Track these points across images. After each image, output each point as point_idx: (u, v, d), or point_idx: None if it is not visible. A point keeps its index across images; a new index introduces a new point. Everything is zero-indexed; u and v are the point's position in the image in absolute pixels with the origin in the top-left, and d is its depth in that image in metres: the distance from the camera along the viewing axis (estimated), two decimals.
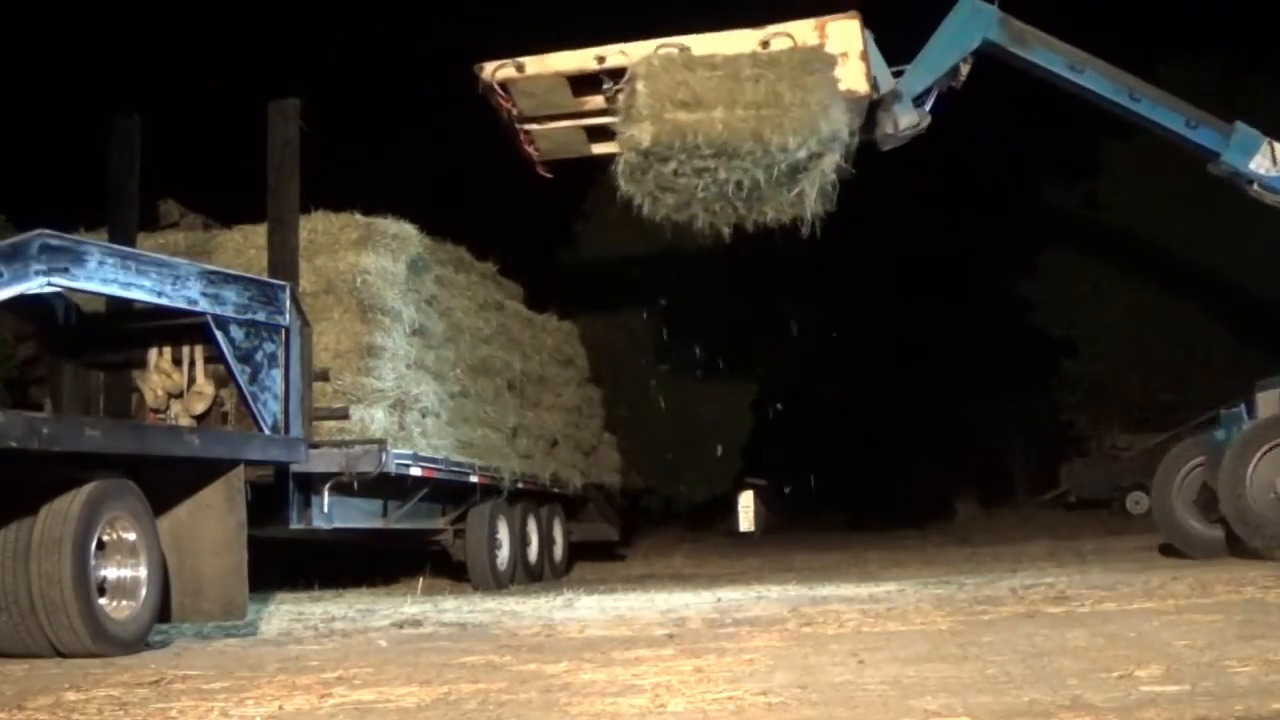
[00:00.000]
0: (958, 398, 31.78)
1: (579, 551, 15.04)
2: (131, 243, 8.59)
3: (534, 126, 9.57)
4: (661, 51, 8.71)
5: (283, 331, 7.68)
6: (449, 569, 12.53)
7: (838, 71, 8.76)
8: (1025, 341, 28.68)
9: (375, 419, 9.76)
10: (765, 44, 8.69)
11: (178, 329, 7.85)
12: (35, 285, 5.96)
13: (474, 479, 11.30)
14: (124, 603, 6.17)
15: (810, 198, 8.55)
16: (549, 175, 9.90)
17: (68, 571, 5.74)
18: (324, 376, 9.28)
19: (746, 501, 29.67)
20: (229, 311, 7.27)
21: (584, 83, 9.20)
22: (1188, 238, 23.66)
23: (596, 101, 9.29)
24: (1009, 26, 10.41)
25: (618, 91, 8.81)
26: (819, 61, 8.53)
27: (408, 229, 10.46)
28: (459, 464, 11.00)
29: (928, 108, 9.87)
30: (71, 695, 4.49)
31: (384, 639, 6.74)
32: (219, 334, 7.21)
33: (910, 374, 33.53)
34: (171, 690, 4.62)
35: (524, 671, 4.87)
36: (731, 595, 9.32)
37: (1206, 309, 24.03)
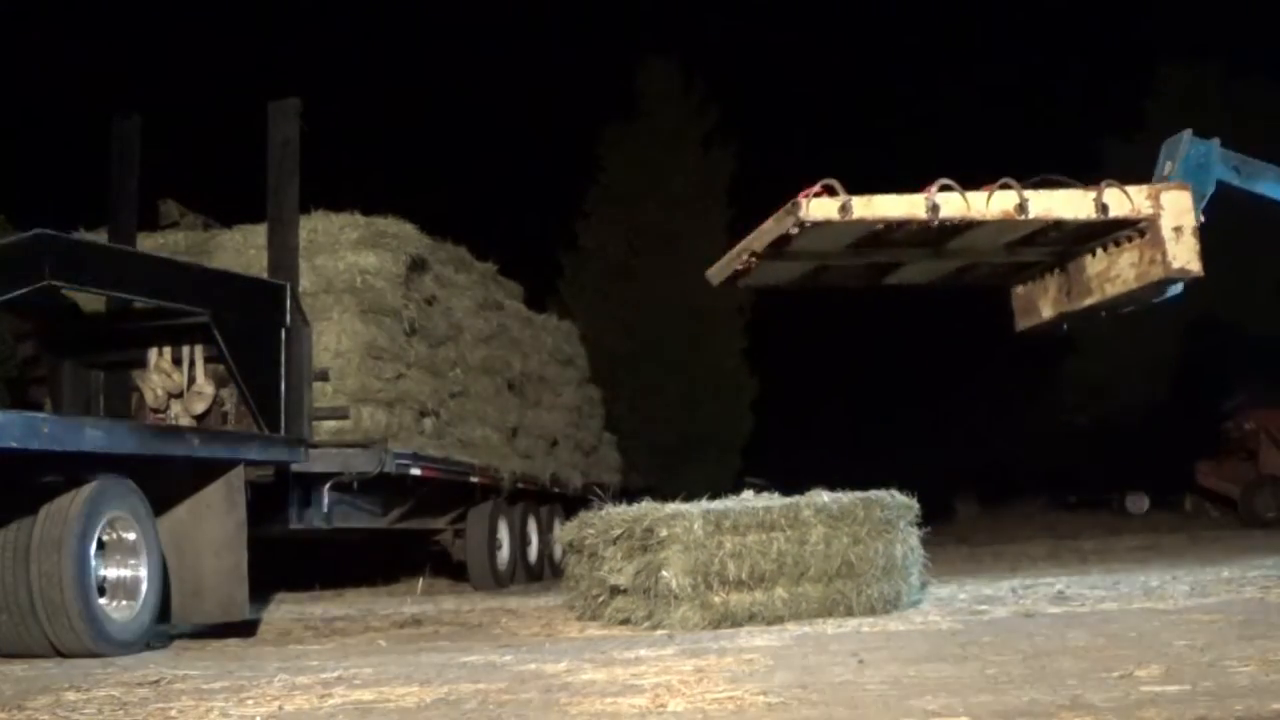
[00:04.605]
0: (958, 398, 31.78)
1: None
2: (131, 243, 8.60)
3: (771, 262, 8.00)
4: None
5: (283, 331, 7.69)
6: (449, 569, 12.53)
7: (1171, 248, 7.57)
8: (1025, 341, 28.64)
9: (375, 419, 9.75)
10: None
11: (178, 329, 7.86)
12: (35, 285, 5.96)
13: (474, 479, 11.29)
14: (124, 603, 6.18)
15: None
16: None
17: (68, 571, 5.75)
18: (324, 376, 9.28)
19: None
20: (229, 311, 7.28)
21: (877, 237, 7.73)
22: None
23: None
24: (1235, 164, 9.55)
25: None
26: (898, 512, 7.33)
27: (408, 229, 10.46)
28: (459, 464, 11.00)
29: None
30: (71, 695, 4.49)
31: (384, 639, 6.74)
32: (219, 334, 7.21)
33: (911, 374, 33.54)
34: (171, 690, 4.62)
35: (524, 671, 4.86)
36: None
37: (1206, 309, 24.02)
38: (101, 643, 5.87)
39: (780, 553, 6.86)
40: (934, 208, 7.40)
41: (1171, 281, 7.91)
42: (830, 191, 7.20)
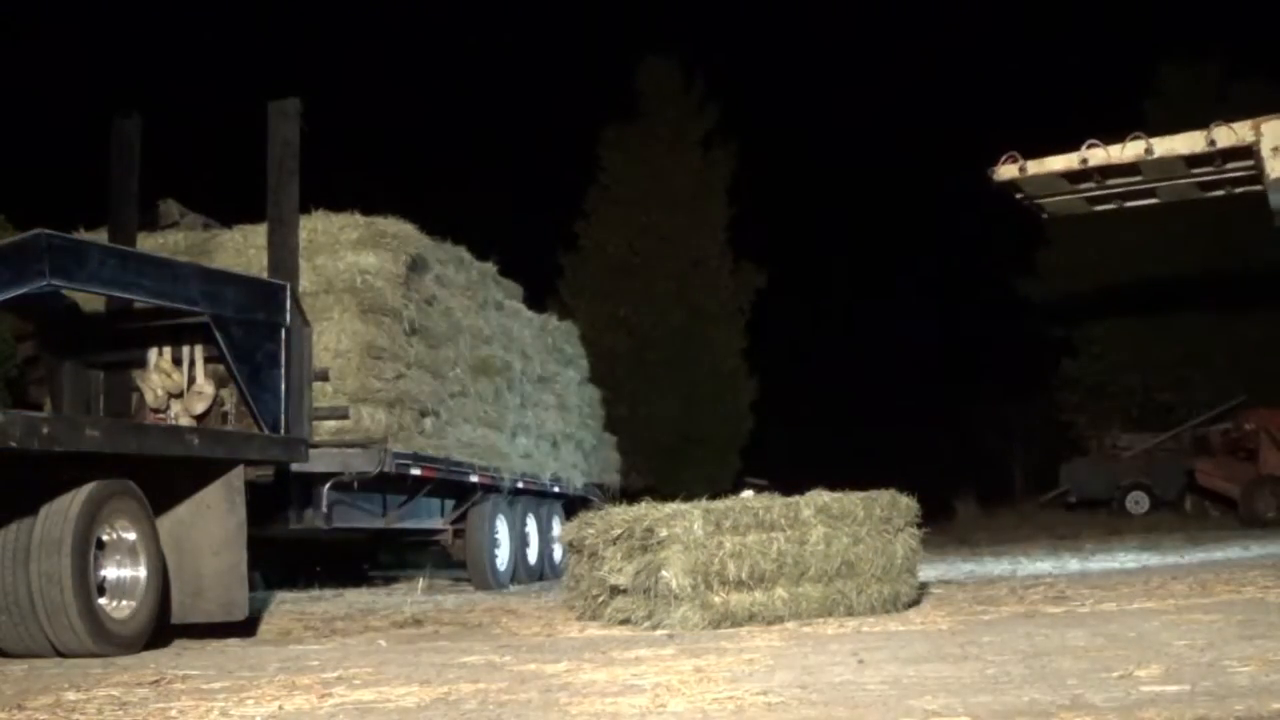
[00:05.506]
0: (957, 398, 31.81)
1: None
2: (131, 243, 8.58)
3: (1043, 200, 11.81)
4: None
5: (283, 331, 7.68)
6: (449, 569, 12.54)
7: (1269, 163, 10.26)
8: (1025, 341, 28.70)
9: (375, 419, 9.74)
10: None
11: (178, 329, 7.85)
12: (35, 285, 5.96)
13: (474, 479, 11.29)
14: (124, 603, 6.17)
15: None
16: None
17: (68, 571, 5.74)
18: (324, 376, 9.27)
19: None
20: (229, 311, 7.28)
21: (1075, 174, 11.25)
22: (1187, 238, 23.68)
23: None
24: None
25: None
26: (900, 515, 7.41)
27: (408, 229, 10.44)
28: (459, 464, 10.99)
29: None
30: (71, 695, 4.49)
31: (384, 639, 6.74)
32: (219, 334, 7.21)
33: (910, 374, 33.56)
34: (171, 690, 4.62)
35: (524, 671, 4.87)
36: None
37: (1206, 309, 24.04)
38: (101, 643, 5.87)
39: (780, 553, 6.86)
40: (1083, 159, 10.78)
41: (1278, 189, 10.36)
42: (1014, 159, 11.02)
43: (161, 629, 6.50)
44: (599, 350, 17.89)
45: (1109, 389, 27.23)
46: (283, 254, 8.57)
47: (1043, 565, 12.07)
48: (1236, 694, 3.62)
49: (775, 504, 7.10)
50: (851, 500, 7.23)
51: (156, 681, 4.84)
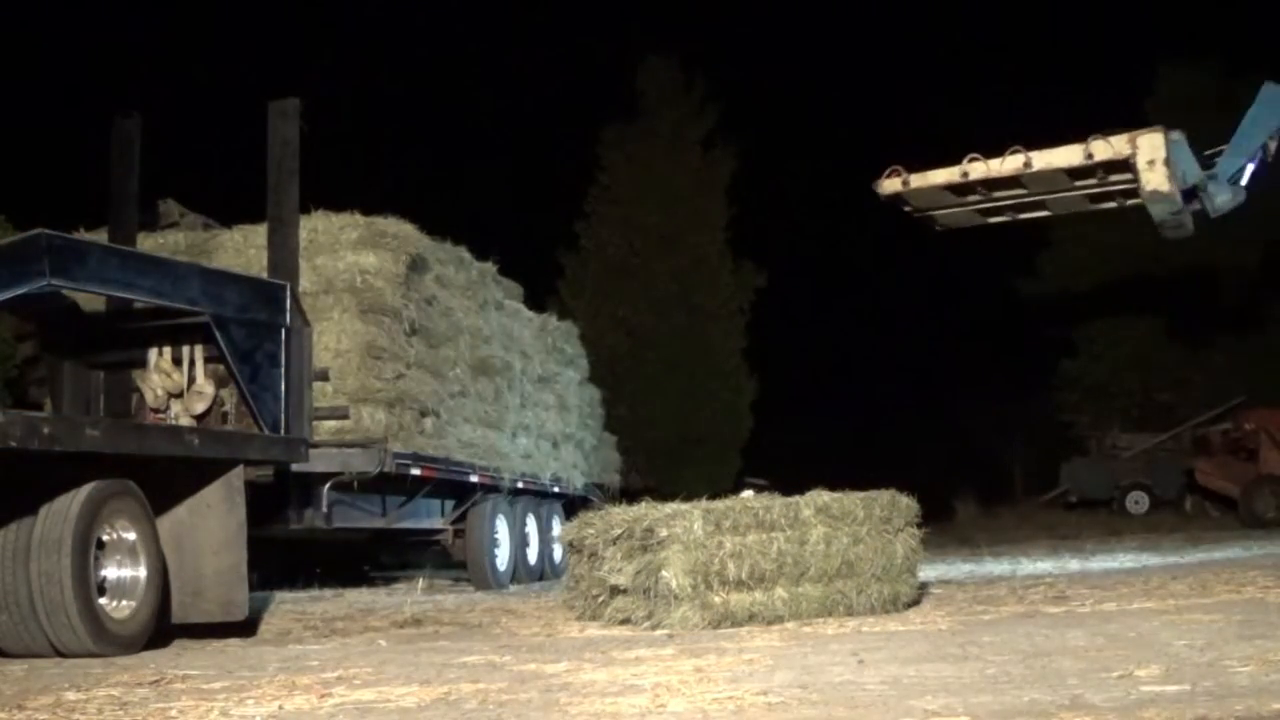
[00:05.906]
0: (957, 398, 31.80)
1: None
2: (131, 243, 8.59)
3: (934, 213, 11.81)
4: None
5: (283, 331, 7.68)
6: (449, 569, 12.54)
7: (1144, 175, 10.30)
8: (1025, 341, 28.71)
9: (375, 419, 9.74)
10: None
11: (178, 329, 7.86)
12: (35, 285, 5.96)
13: (474, 479, 11.29)
14: (124, 603, 6.17)
15: None
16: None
17: (68, 571, 5.74)
18: (324, 376, 9.27)
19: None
20: (229, 311, 7.28)
21: (960, 187, 11.31)
22: (1186, 238, 23.64)
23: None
24: None
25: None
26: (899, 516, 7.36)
27: (408, 229, 10.44)
28: (459, 464, 10.99)
29: (1243, 184, 11.13)
30: (71, 695, 4.50)
31: (384, 639, 6.74)
32: (219, 334, 7.22)
33: (910, 374, 33.57)
34: (171, 690, 4.62)
35: (524, 671, 4.87)
36: None
37: (1206, 309, 24.02)
38: (101, 643, 5.87)
39: (780, 553, 6.86)
40: (964, 173, 10.92)
41: (1156, 202, 10.51)
42: (898, 173, 11.15)
43: (161, 629, 6.50)
44: (599, 350, 17.89)
45: (1109, 389, 27.24)
46: (283, 254, 8.57)
47: (1043, 565, 12.07)
48: (1236, 694, 3.62)
49: (775, 504, 7.10)
50: (851, 500, 7.23)
51: (156, 681, 4.84)
